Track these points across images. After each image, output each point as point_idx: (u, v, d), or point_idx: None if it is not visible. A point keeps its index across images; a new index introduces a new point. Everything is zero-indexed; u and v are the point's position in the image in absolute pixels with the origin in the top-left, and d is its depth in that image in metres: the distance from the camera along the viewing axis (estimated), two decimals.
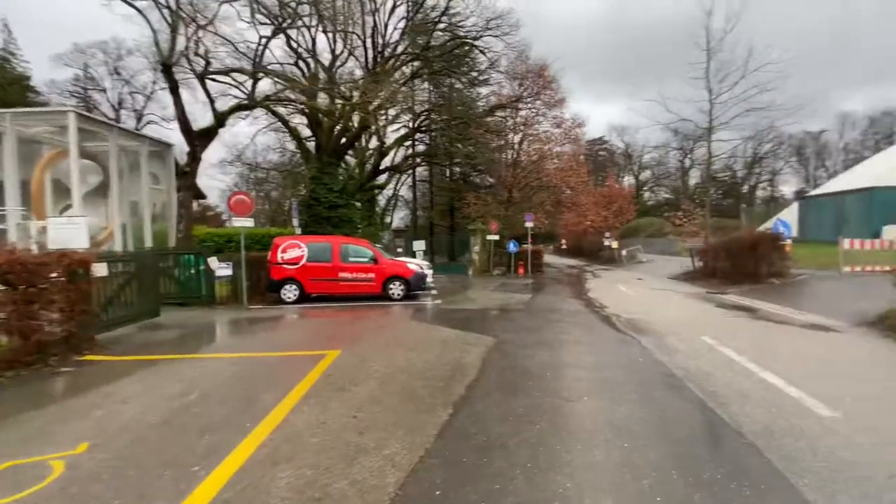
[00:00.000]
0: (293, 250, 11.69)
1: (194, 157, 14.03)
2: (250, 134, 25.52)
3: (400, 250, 24.40)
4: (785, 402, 3.99)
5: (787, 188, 60.92)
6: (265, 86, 20.01)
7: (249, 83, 14.92)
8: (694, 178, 66.43)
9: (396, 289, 11.87)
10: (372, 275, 11.82)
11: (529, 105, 28.38)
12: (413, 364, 5.42)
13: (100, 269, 7.05)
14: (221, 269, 10.81)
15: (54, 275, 5.87)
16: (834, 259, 14.02)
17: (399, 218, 52.25)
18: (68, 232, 12.31)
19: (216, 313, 9.98)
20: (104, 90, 45.87)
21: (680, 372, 4.99)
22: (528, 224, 21.90)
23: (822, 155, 61.16)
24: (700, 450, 3.10)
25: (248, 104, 14.37)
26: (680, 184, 68.11)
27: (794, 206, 27.20)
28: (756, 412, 3.73)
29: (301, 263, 11.64)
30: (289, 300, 11.54)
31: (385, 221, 43.67)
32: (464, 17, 23.09)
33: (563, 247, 46.64)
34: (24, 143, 18.75)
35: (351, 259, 11.90)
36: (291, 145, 34.97)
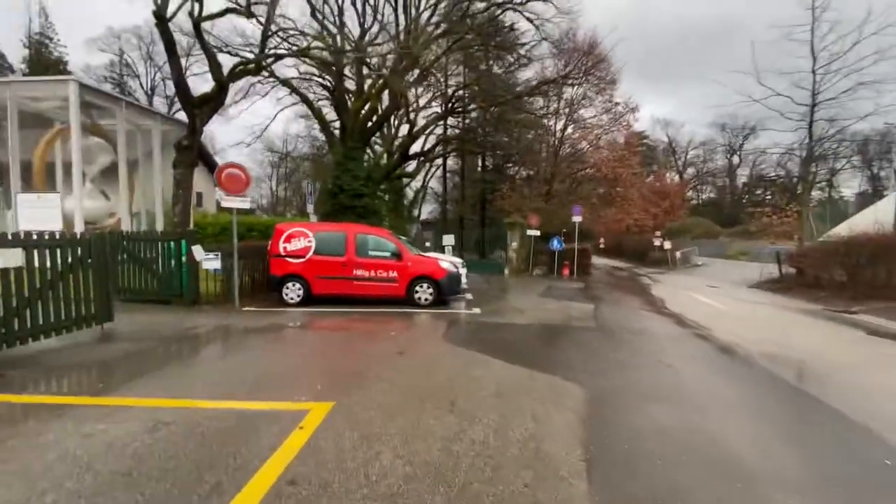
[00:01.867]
0: (298, 240, 9.41)
1: (193, 129, 11.99)
2: (277, 120, 23.54)
3: (428, 244, 22.02)
4: None
5: (849, 189, 54.65)
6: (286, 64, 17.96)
7: (258, 44, 12.75)
8: (742, 176, 61.40)
9: (424, 292, 9.42)
10: (394, 273, 9.40)
11: (577, 84, 25.29)
12: (457, 451, 2.92)
13: (4, 258, 4.91)
14: (208, 259, 8.65)
15: None
16: None
17: (427, 211, 49.97)
18: (41, 211, 10.49)
19: (194, 318, 7.80)
20: (138, 76, 45.65)
21: None
22: (576, 218, 19.04)
23: (888, 154, 54.58)
24: None
25: (255, 61, 12.15)
26: (727, 182, 63.04)
27: (891, 199, 22.89)
28: None
29: (307, 257, 9.35)
30: (291, 301, 9.28)
31: (413, 214, 41.48)
32: None
33: (602, 246, 43.22)
34: (30, 119, 17.47)
35: (370, 253, 9.51)
36: (320, 133, 33.28)
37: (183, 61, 13.42)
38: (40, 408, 3.62)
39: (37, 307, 5.42)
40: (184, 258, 8.64)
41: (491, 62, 25.94)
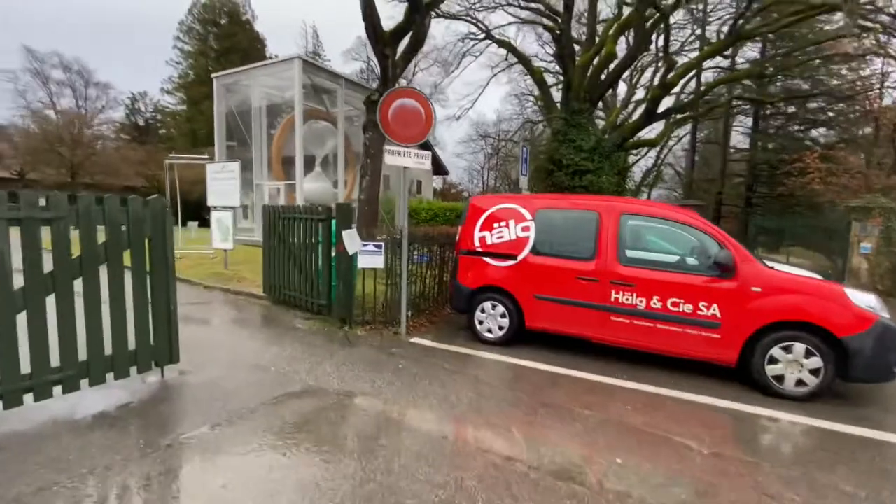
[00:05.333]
0: (506, 225, 5.09)
1: (385, 79, 9.17)
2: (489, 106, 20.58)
3: None
4: None
5: None
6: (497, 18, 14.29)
7: None
8: None
9: (800, 366, 3.77)
10: (713, 308, 4.04)
11: None
12: None
13: None
14: (365, 251, 5.23)
15: None
16: None
17: (654, 197, 40.36)
18: (223, 183, 9.30)
19: (324, 361, 4.38)
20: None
21: None
22: None
23: None
24: None
25: None
26: None
27: None
28: None
29: (521, 256, 4.94)
30: (488, 338, 5.09)
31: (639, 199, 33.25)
32: None
33: None
34: (275, 111, 18.82)
35: (645, 255, 4.44)
36: (535, 114, 29.27)
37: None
38: None
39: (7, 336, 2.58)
40: (333, 250, 5.45)
41: None
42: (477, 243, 5.21)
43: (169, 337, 3.54)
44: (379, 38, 8.78)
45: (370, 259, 5.24)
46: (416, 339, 5.12)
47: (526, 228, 4.92)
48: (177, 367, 3.67)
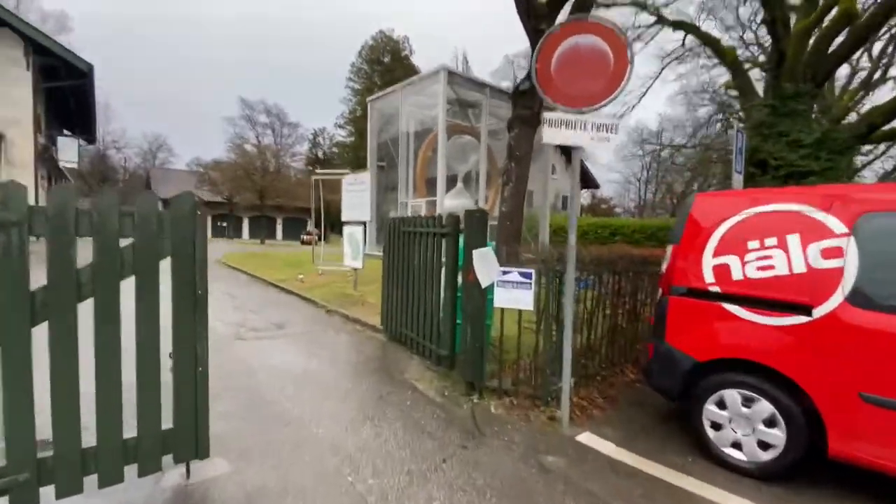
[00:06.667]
0: (779, 245, 2.63)
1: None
2: (651, 106, 17.06)
3: None
4: None
5: None
6: None
7: None
8: None
9: None
10: None
11: None
12: None
13: None
14: (505, 281, 3.37)
15: None
16: None
17: None
18: (356, 195, 8.53)
19: (422, 471, 2.59)
20: None
21: None
22: None
23: None
24: None
25: None
26: None
27: None
28: None
29: (824, 309, 2.41)
30: (737, 462, 2.65)
31: None
32: None
33: None
34: (424, 134, 18.74)
35: None
36: (707, 113, 23.94)
37: None
38: None
39: None
40: (460, 277, 3.74)
41: None
42: (709, 277, 2.85)
43: (195, 418, 2.22)
44: (531, 10, 7.01)
45: (513, 294, 3.34)
46: (586, 438, 2.99)
47: (834, 252, 2.40)
48: (212, 460, 2.33)
